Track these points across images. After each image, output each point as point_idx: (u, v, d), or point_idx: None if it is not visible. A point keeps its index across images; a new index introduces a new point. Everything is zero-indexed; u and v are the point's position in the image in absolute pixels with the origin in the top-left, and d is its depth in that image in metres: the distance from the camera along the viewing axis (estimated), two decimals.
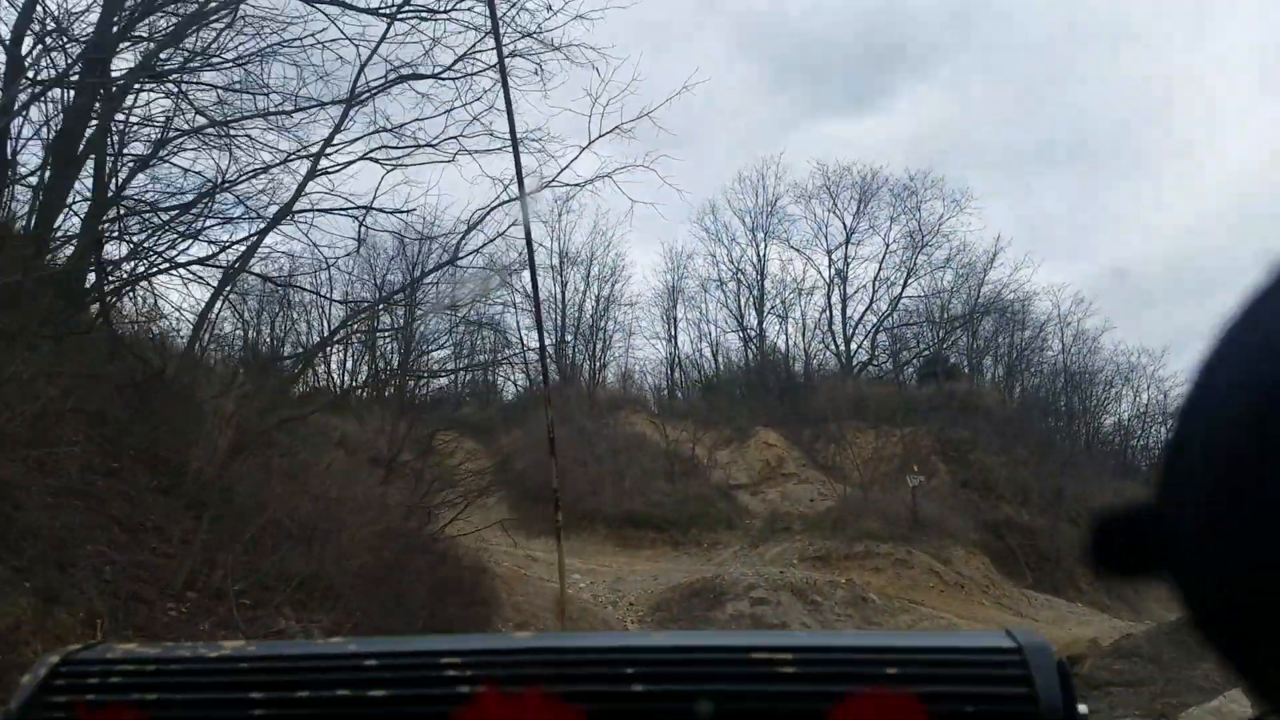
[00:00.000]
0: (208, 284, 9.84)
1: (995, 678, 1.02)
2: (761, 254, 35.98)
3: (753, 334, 36.04)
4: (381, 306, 13.84)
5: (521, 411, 32.68)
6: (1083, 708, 1.03)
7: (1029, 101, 50.91)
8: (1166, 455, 0.54)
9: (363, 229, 10.39)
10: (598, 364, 34.83)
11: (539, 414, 31.98)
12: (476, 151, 10.51)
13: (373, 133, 10.35)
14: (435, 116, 10.40)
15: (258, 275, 10.41)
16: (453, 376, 36.75)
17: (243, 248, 10.41)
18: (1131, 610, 24.50)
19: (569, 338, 34.66)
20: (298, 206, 9.88)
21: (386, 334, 17.21)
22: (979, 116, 50.11)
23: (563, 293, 34.75)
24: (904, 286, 35.19)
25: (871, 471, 26.11)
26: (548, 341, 35.13)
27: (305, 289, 11.24)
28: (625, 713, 0.99)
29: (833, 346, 35.84)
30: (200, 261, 9.60)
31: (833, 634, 1.40)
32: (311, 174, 9.65)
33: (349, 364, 35.77)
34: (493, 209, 11.06)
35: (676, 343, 36.63)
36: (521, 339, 35.90)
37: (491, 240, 10.94)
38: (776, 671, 1.01)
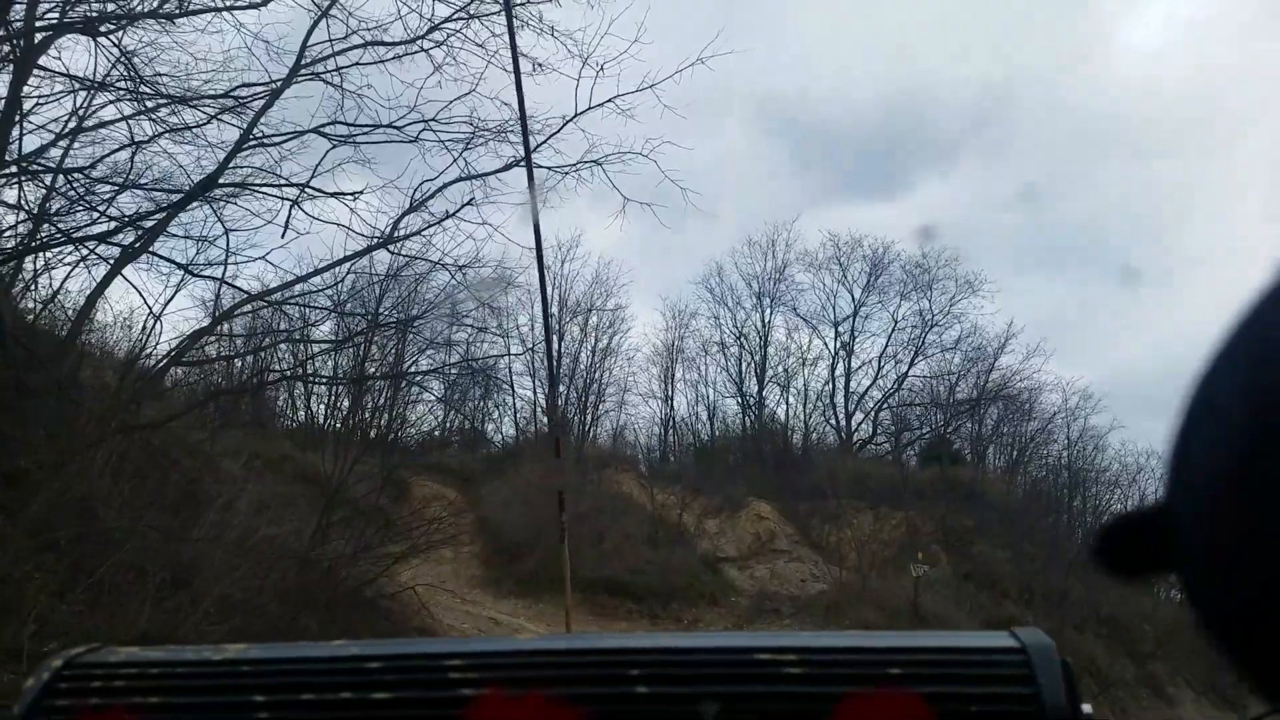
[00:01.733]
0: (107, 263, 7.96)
1: (999, 678, 1.00)
2: (766, 320, 34.27)
3: (752, 401, 34.13)
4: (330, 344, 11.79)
5: (507, 462, 30.60)
6: (1087, 707, 1.02)
7: (1044, 201, 49.71)
8: (1173, 455, 0.53)
9: (293, 211, 8.50)
10: (590, 418, 32.80)
11: (524, 466, 29.91)
12: (447, 135, 8.68)
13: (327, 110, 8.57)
14: (405, 91, 8.63)
15: (170, 261, 8.54)
16: (437, 422, 34.78)
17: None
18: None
19: (562, 388, 32.67)
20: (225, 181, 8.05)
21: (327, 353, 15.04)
22: (993, 213, 48.91)
23: (559, 342, 32.87)
24: (911, 365, 33.40)
25: (869, 555, 23.92)
26: (541, 391, 33.19)
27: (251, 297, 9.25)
28: (630, 715, 0.96)
29: (834, 421, 33.91)
30: (99, 238, 7.75)
31: (837, 635, 1.10)
32: (242, 142, 7.85)
33: (329, 398, 33.85)
34: (446, 187, 9.16)
35: (672, 404, 34.68)
36: (513, 383, 34.02)
37: (439, 221, 9.05)
38: (781, 672, 0.99)
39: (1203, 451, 0.51)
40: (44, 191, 8.18)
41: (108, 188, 7.82)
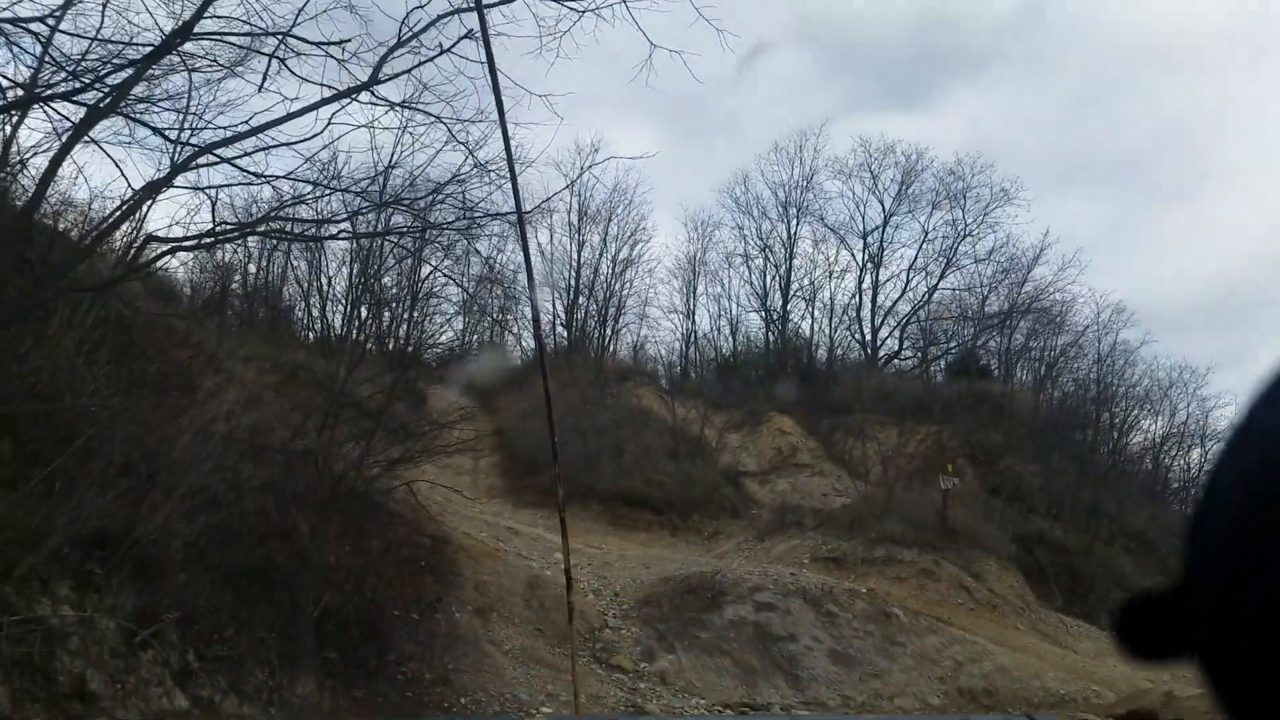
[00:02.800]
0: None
1: None
2: (793, 231, 33.03)
3: (776, 315, 33.14)
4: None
5: (526, 374, 30.00)
6: None
7: (1078, 116, 47.60)
8: (1189, 538, 0.54)
9: (273, 65, 7.50)
10: (609, 331, 32.00)
11: (536, 379, 29.33)
12: None
13: None
14: None
15: (143, 124, 7.62)
16: (457, 333, 34.17)
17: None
18: None
19: (581, 299, 31.83)
20: (200, 30, 7.11)
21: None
22: (1027, 126, 46.86)
23: (578, 251, 31.91)
24: (941, 277, 32.19)
25: (894, 469, 23.24)
26: (559, 302, 32.36)
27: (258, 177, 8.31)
28: None
29: (859, 335, 32.91)
30: (64, 97, 6.87)
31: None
32: None
33: (346, 308, 33.22)
34: (442, 18, 8.09)
35: (694, 318, 33.76)
36: (534, 296, 33.16)
37: (432, 59, 7.97)
38: None
39: (1220, 535, 0.50)
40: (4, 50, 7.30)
41: (74, 45, 6.95)
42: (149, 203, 7.81)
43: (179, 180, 7.55)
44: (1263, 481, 0.48)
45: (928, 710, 12.17)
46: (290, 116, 7.64)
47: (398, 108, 8.51)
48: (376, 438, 14.73)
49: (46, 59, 7.12)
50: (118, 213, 7.46)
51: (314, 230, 9.82)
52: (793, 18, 46.49)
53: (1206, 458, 31.66)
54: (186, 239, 7.98)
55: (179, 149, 7.50)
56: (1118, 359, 32.63)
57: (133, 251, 8.33)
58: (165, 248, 8.12)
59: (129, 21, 7.35)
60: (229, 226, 9.02)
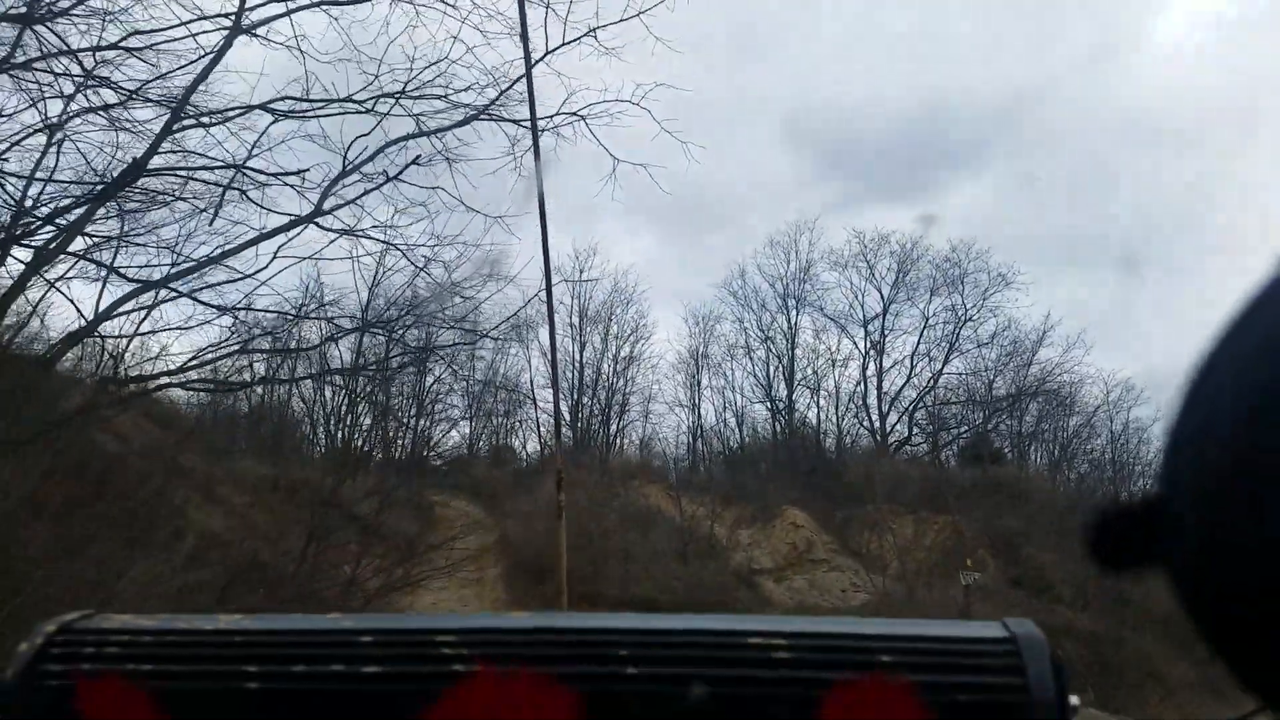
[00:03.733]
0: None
1: (988, 667, 1.01)
2: (793, 322, 32.79)
3: (781, 406, 32.64)
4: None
5: (533, 478, 29.39)
6: (1074, 699, 1.03)
7: (1072, 199, 47.78)
8: (1166, 449, 0.53)
9: (227, 196, 7.15)
10: (614, 428, 31.49)
11: (548, 482, 28.69)
12: (416, 100, 7.41)
13: None
14: None
15: (92, 261, 7.28)
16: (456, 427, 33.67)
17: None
18: None
19: (585, 400, 31.43)
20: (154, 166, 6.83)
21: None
22: (1022, 212, 47.02)
23: (580, 352, 31.67)
24: (945, 362, 31.74)
25: (913, 562, 22.39)
26: (563, 403, 31.94)
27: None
28: (619, 695, 0.96)
29: (867, 423, 32.31)
30: (13, 240, 6.52)
31: (828, 620, 1.12)
32: (173, 121, 6.66)
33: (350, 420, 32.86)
34: (389, 146, 7.83)
35: (699, 412, 33.28)
36: (534, 396, 32.82)
37: (378, 187, 7.67)
38: (771, 657, 1.00)
39: (1193, 443, 0.50)
40: None
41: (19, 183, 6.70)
42: (128, 339, 7.52)
43: (143, 315, 7.26)
44: (1262, 397, 0.45)
45: None
46: (235, 250, 7.37)
47: (352, 234, 8.24)
48: (371, 556, 14.13)
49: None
50: (59, 345, 7.13)
51: (296, 365, 9.39)
52: (783, 119, 47.38)
53: None
54: (144, 377, 7.65)
55: (144, 284, 7.23)
56: (1131, 437, 31.95)
57: (96, 386, 7.98)
58: (139, 385, 7.77)
59: (83, 158, 7.14)
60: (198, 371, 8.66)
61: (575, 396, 31.55)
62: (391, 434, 33.47)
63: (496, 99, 8.62)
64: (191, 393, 21.77)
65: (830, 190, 51.29)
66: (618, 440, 31.82)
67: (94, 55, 6.64)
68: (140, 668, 1.01)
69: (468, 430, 35.40)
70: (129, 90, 6.72)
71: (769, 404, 32.75)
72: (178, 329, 8.05)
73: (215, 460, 20.41)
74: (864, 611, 19.26)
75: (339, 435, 32.64)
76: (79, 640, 1.05)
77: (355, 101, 7.42)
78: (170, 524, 8.92)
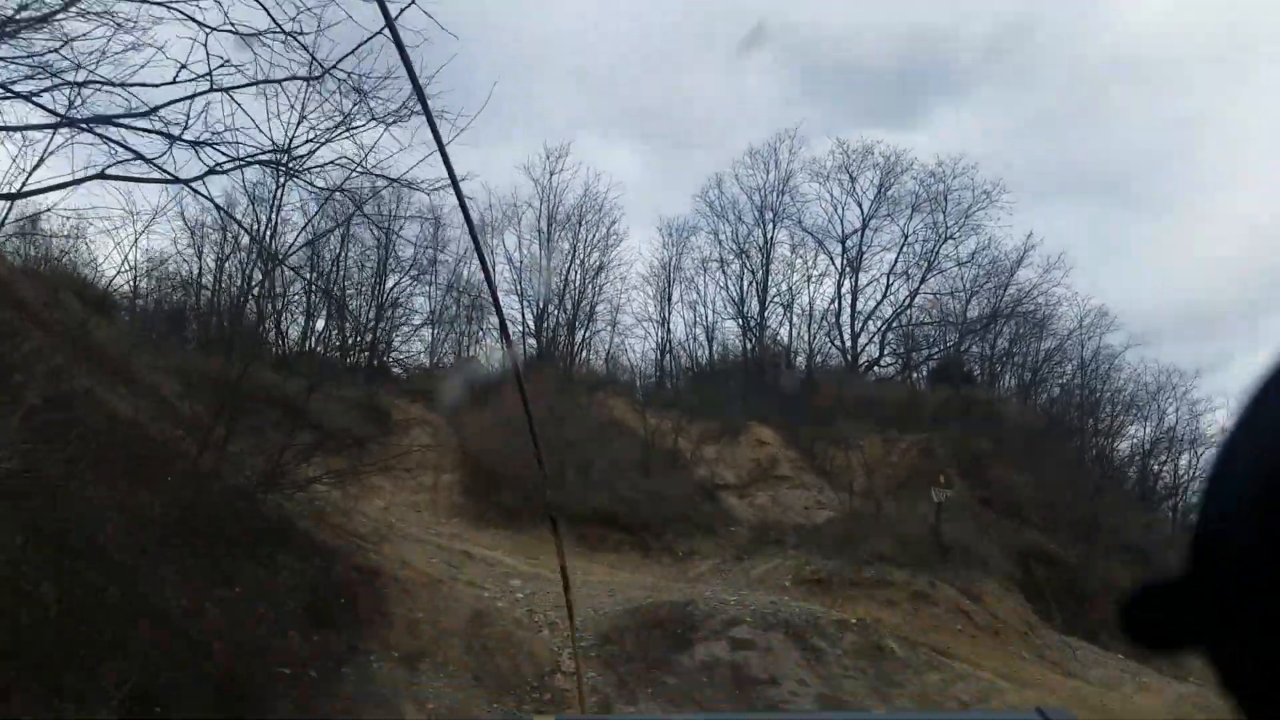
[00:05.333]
0: None
1: None
2: (769, 236, 31.18)
3: (753, 323, 31.24)
4: None
5: (494, 388, 27.93)
6: None
7: (1059, 131, 45.99)
8: (1198, 528, 0.51)
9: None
10: (579, 339, 30.00)
11: (509, 393, 27.21)
12: None
13: None
14: None
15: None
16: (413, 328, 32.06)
17: None
18: (1168, 661, 19.69)
19: (551, 308, 29.83)
20: None
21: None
22: (1007, 141, 45.27)
23: (548, 259, 29.92)
24: (922, 280, 30.39)
25: (879, 481, 21.33)
26: (528, 311, 30.33)
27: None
28: None
29: (839, 342, 31.04)
30: None
31: (863, 714, 0.54)
32: None
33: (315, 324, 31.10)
34: None
35: (669, 327, 31.84)
36: (498, 302, 31.15)
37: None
38: None
39: (1230, 525, 0.48)
40: None
41: None
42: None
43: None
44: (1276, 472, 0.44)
45: None
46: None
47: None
48: (299, 446, 12.63)
49: None
50: None
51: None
52: (775, 34, 44.92)
53: (1198, 463, 29.94)
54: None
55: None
56: (1102, 364, 31.01)
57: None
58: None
59: None
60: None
61: (541, 305, 29.96)
62: (348, 334, 31.80)
63: None
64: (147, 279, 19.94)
65: (816, 113, 49.18)
66: (583, 351, 30.38)
67: None
68: None
69: (430, 337, 33.81)
70: None
71: (740, 320, 31.40)
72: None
73: (157, 353, 18.74)
74: (828, 528, 18.17)
75: (304, 339, 30.95)
76: None
77: None
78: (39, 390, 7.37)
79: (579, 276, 29.72)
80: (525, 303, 30.26)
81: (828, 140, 48.18)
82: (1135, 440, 30.92)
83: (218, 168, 7.05)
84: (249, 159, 6.85)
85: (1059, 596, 19.41)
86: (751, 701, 10.17)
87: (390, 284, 32.61)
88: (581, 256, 29.65)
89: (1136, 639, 0.56)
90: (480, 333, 33.02)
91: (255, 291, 25.08)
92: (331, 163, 8.11)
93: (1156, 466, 31.78)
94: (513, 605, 13.58)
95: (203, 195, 7.07)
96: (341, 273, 30.19)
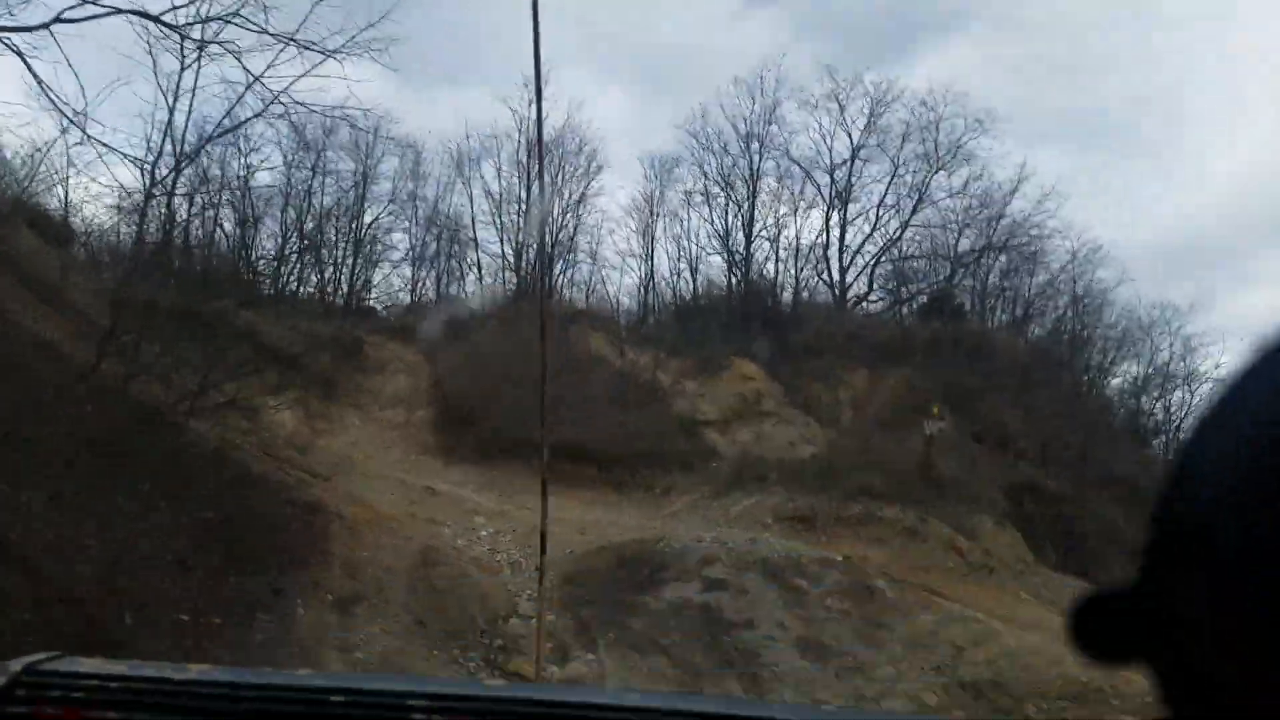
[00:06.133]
0: None
1: None
2: (755, 167, 29.59)
3: (739, 257, 29.82)
4: None
5: (469, 324, 26.58)
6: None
7: (1050, 71, 43.95)
8: (1149, 538, 0.50)
9: None
10: (558, 271, 28.57)
11: (487, 327, 25.89)
12: None
13: None
14: None
15: None
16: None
17: None
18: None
19: (530, 242, 28.33)
20: None
21: None
22: (1001, 79, 43.32)
23: (527, 192, 28.36)
24: (913, 211, 28.92)
25: (866, 415, 20.19)
26: (506, 245, 28.87)
27: None
28: None
29: (827, 276, 29.67)
30: None
31: (819, 710, 0.98)
32: None
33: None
34: None
35: (653, 261, 30.42)
36: (476, 237, 29.70)
37: None
38: None
39: (1181, 536, 0.46)
40: None
41: None
42: None
43: None
44: (1249, 479, 0.42)
45: (922, 710, 9.09)
46: None
47: None
48: (228, 366, 11.30)
49: None
50: None
51: None
52: None
53: (1191, 399, 28.95)
54: None
55: None
56: (1094, 300, 29.82)
57: None
58: None
59: None
60: None
61: (520, 238, 28.46)
62: (324, 269, 30.28)
63: None
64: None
65: (805, 52, 47.11)
66: (564, 284, 28.99)
67: None
68: (104, 715, 0.96)
69: (409, 274, 32.34)
70: None
71: (726, 254, 29.97)
72: None
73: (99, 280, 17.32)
74: (812, 463, 17.06)
75: (276, 275, 29.41)
76: (45, 683, 1.00)
77: None
78: None
79: (558, 208, 28.20)
80: (505, 237, 28.79)
81: (817, 76, 46.14)
82: (1127, 377, 29.87)
83: (65, 15, 5.61)
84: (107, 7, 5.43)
85: (1051, 533, 18.44)
86: (724, 647, 9.07)
87: (368, 219, 31.05)
88: (563, 192, 28.09)
89: (1082, 648, 0.51)
90: (461, 270, 31.60)
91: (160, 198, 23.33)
92: (225, 21, 6.67)
93: (1149, 403, 30.81)
94: (473, 544, 12.44)
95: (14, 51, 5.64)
96: (309, 204, 28.58)
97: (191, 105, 11.50)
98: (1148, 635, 0.48)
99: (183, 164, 11.32)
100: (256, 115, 11.02)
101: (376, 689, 1.00)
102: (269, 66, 10.17)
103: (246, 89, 10.72)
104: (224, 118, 11.83)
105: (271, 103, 10.96)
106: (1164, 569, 0.47)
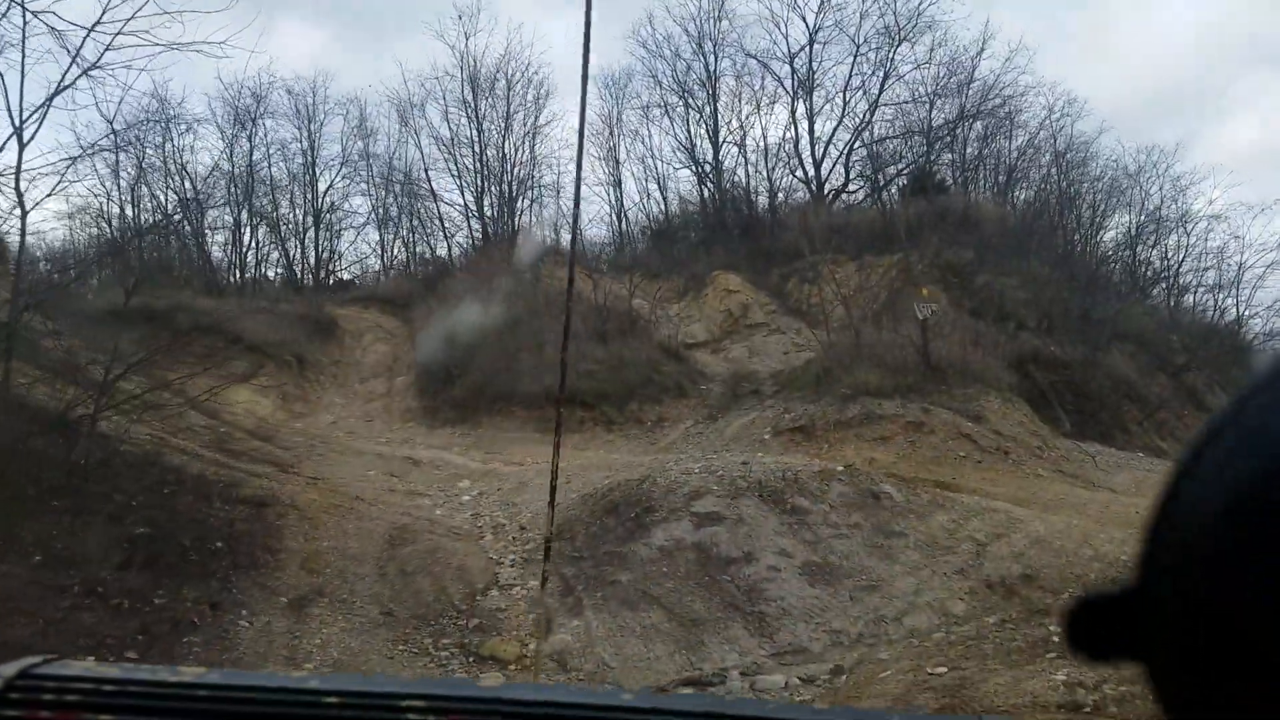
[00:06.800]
0: None
1: None
2: (711, 68, 27.86)
3: (707, 168, 28.31)
4: None
5: (439, 278, 25.34)
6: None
7: None
8: (1145, 541, 0.51)
9: None
10: (519, 208, 27.19)
11: (458, 281, 24.65)
12: None
13: None
14: None
15: None
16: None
17: None
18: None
19: (489, 185, 26.87)
20: None
21: None
22: None
23: (478, 132, 26.75)
24: (881, 90, 27.26)
25: (857, 309, 19.04)
26: (468, 193, 27.39)
27: None
28: None
29: (801, 173, 28.18)
30: None
31: (822, 711, 0.99)
32: None
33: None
34: None
35: (621, 188, 28.97)
36: (433, 188, 28.21)
37: None
38: None
39: (1177, 540, 0.46)
40: None
41: None
42: None
43: None
44: (1251, 487, 0.42)
45: (949, 621, 8.17)
46: None
47: None
48: (133, 361, 10.18)
49: None
50: None
51: None
52: None
53: (1188, 242, 27.63)
54: None
55: None
56: (1077, 153, 28.34)
57: None
58: None
59: None
60: None
61: (479, 183, 26.99)
62: (284, 243, 28.93)
63: None
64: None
65: None
66: (530, 223, 27.61)
67: None
68: (99, 718, 0.94)
69: (377, 239, 30.94)
70: None
71: (693, 167, 28.45)
72: None
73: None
74: (806, 369, 15.98)
75: (233, 255, 28.08)
76: (39, 686, 0.96)
77: None
78: None
79: (513, 148, 26.65)
80: (463, 184, 27.31)
81: None
82: (1120, 229, 28.52)
83: None
84: None
85: (1064, 400, 17.43)
86: (723, 588, 8.11)
87: (323, 186, 29.53)
88: (515, 127, 26.48)
89: (1076, 649, 0.53)
90: (427, 227, 30.13)
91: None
92: None
93: (1144, 252, 29.51)
94: (454, 511, 11.48)
95: None
96: (252, 178, 27.06)
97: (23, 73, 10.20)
98: (1143, 637, 0.48)
99: (25, 141, 9.96)
100: (93, 65, 9.62)
101: (372, 690, 0.96)
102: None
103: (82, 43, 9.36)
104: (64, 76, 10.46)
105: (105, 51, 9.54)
106: (1161, 573, 0.47)
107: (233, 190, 27.19)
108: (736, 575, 8.23)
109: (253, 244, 27.17)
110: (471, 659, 7.25)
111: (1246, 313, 25.67)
